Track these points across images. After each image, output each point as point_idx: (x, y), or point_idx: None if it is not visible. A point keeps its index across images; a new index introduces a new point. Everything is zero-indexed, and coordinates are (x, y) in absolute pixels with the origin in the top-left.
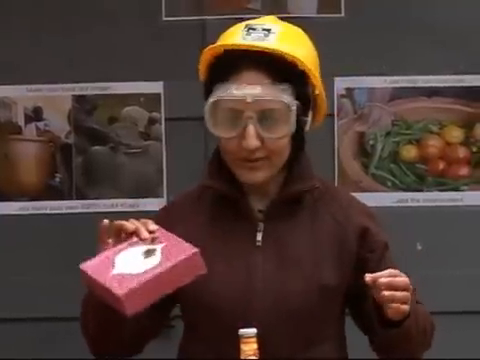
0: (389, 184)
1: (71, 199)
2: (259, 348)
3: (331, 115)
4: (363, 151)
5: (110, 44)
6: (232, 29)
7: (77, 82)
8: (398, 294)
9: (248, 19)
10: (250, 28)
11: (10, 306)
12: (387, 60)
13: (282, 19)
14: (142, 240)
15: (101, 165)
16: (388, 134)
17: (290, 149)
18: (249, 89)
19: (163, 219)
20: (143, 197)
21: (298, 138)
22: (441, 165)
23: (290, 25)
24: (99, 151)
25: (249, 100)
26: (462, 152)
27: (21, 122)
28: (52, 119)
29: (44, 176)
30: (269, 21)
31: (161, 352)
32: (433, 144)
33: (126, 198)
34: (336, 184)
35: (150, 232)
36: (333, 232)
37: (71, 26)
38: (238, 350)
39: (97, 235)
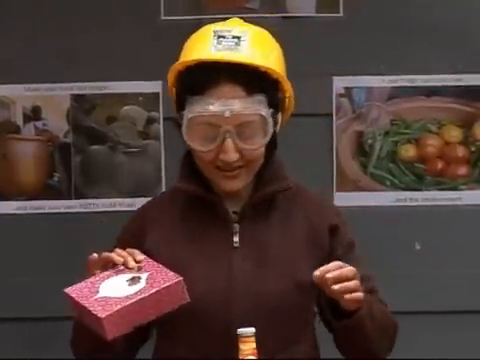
0: (388, 183)
1: (70, 198)
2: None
3: (330, 114)
4: (362, 150)
5: (109, 43)
6: (200, 36)
7: (76, 81)
8: (348, 284)
9: (247, 19)
10: (220, 36)
11: (8, 306)
12: (386, 59)
13: (280, 19)
14: (129, 269)
15: (100, 164)
16: (387, 133)
17: (266, 151)
18: (227, 104)
19: (140, 217)
20: (142, 196)
21: (271, 141)
22: (440, 164)
23: (256, 28)
24: (98, 150)
25: (227, 115)
26: (461, 151)
27: (19, 121)
28: (50, 118)
29: (42, 175)
30: (236, 25)
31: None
32: (432, 143)
33: (125, 197)
34: (335, 184)
35: (137, 262)
36: (307, 230)
37: (70, 25)
38: (221, 351)
39: (86, 267)
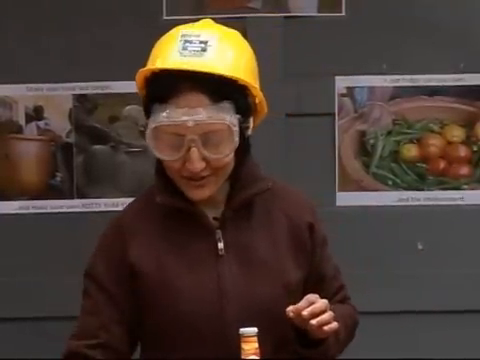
0: (390, 183)
1: (72, 198)
2: (233, 354)
3: (332, 114)
4: (364, 150)
5: (111, 43)
6: (167, 39)
7: (78, 81)
8: (323, 317)
9: (248, 18)
10: (186, 40)
11: (9, 305)
12: (388, 59)
13: (283, 18)
14: None
15: (102, 164)
16: (389, 133)
17: (237, 157)
18: (190, 113)
19: (116, 235)
20: None
21: (242, 146)
22: (442, 164)
23: (226, 30)
24: (100, 150)
25: (191, 124)
26: (463, 151)
27: (22, 121)
28: (53, 118)
29: (45, 175)
30: (205, 28)
31: None
32: (434, 143)
33: (127, 197)
34: (337, 184)
35: None
36: (288, 229)
37: (72, 25)
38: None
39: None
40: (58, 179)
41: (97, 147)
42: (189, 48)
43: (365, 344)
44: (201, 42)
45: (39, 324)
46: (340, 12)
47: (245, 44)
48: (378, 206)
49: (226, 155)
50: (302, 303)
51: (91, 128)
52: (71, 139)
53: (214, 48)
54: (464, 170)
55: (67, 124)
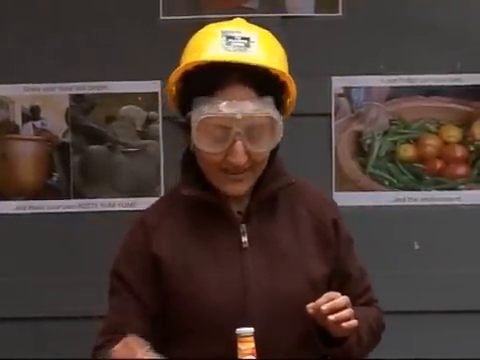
0: (386, 183)
1: (69, 198)
2: (256, 348)
3: (329, 114)
4: (360, 150)
5: (108, 43)
6: (207, 36)
7: (75, 81)
8: (343, 313)
9: (245, 18)
10: (228, 36)
11: (7, 305)
12: (385, 59)
13: (280, 19)
14: None
15: (99, 164)
16: (385, 133)
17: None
18: (239, 106)
19: (139, 230)
20: (141, 196)
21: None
22: (439, 164)
23: (261, 30)
24: (97, 150)
25: (239, 117)
26: (460, 151)
27: (18, 121)
28: (49, 118)
29: (41, 175)
30: (242, 26)
31: None
32: (431, 143)
33: (124, 197)
34: (334, 184)
35: None
36: (311, 224)
37: (69, 25)
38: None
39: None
40: (55, 179)
41: (94, 147)
42: (233, 43)
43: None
44: (243, 38)
45: (38, 324)
46: (337, 12)
47: (278, 42)
48: (375, 206)
49: (268, 149)
50: (321, 299)
51: (88, 128)
52: (68, 139)
53: (256, 44)
54: (461, 170)
55: (64, 124)
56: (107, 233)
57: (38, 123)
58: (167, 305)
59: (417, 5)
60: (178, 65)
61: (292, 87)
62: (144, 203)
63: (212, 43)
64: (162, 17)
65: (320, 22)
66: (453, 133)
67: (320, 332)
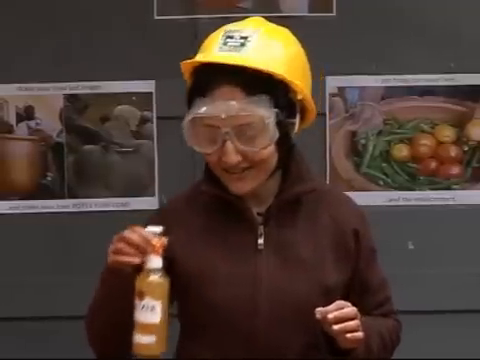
0: (381, 183)
1: (63, 198)
2: (264, 349)
3: (323, 114)
4: (355, 150)
5: (102, 43)
6: (213, 35)
7: (69, 81)
8: (349, 324)
9: (238, 19)
10: (228, 36)
11: (1, 305)
12: (378, 59)
13: (273, 19)
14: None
15: (93, 164)
16: (380, 133)
17: (279, 153)
18: (223, 106)
19: (158, 219)
20: (135, 196)
21: (285, 142)
22: (433, 164)
23: (275, 26)
24: (91, 150)
25: (224, 116)
26: (454, 151)
27: (12, 121)
28: (44, 118)
29: (35, 175)
30: (250, 24)
31: None
32: (425, 143)
33: (118, 197)
34: (328, 183)
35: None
36: (332, 232)
37: (63, 25)
38: (246, 353)
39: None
40: (49, 179)
41: (88, 147)
42: (229, 43)
43: None
44: (242, 37)
45: (33, 324)
46: (331, 12)
47: (292, 41)
48: (369, 206)
49: (262, 148)
50: (331, 306)
51: (82, 128)
52: (62, 139)
53: (253, 43)
54: (455, 170)
55: (58, 124)
56: (101, 233)
57: (32, 123)
58: (178, 300)
59: (411, 5)
60: (174, 64)
61: (296, 86)
62: (138, 203)
63: (212, 43)
64: (156, 17)
65: (314, 22)
66: (447, 133)
67: (329, 340)
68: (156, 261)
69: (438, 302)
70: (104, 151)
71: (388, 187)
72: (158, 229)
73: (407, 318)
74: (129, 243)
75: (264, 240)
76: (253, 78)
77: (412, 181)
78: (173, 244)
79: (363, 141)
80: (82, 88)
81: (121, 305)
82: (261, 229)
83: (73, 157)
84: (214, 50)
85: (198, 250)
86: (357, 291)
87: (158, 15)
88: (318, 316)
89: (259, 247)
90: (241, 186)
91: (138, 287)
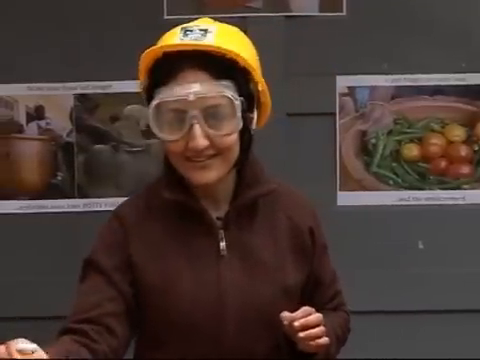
0: (391, 183)
1: (73, 198)
2: (231, 354)
3: (333, 114)
4: (365, 150)
5: (112, 43)
6: (169, 33)
7: (79, 81)
8: (314, 331)
9: (249, 18)
10: (186, 30)
11: (11, 305)
12: (389, 59)
13: (285, 18)
14: None
15: (103, 164)
16: (390, 133)
17: (241, 144)
18: (190, 87)
19: (117, 230)
20: None
21: (245, 137)
22: (443, 164)
23: (227, 25)
24: (101, 150)
25: (191, 98)
26: (464, 151)
27: (23, 121)
28: (54, 118)
29: (46, 175)
30: (205, 22)
31: None
32: (435, 143)
33: (128, 196)
34: (338, 183)
35: None
36: (290, 231)
37: (72, 25)
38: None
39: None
40: (59, 179)
41: (98, 147)
42: (190, 35)
43: (365, 344)
44: (201, 30)
45: (41, 323)
46: (341, 12)
47: (246, 39)
48: (379, 206)
49: (229, 132)
50: (297, 313)
51: (92, 128)
52: (72, 139)
53: (214, 33)
54: (465, 170)
55: (68, 124)
56: None
57: (42, 123)
58: (141, 307)
59: (421, 4)
60: None
61: (257, 75)
62: None
63: (170, 37)
64: (166, 17)
65: (324, 22)
66: (457, 132)
67: (290, 342)
68: None
69: (449, 302)
70: (114, 151)
71: (398, 187)
72: (31, 346)
73: (417, 317)
74: None
75: (226, 244)
76: (218, 64)
77: (422, 181)
78: (133, 255)
79: (373, 141)
80: (92, 88)
81: None
82: (222, 233)
83: (83, 157)
84: (175, 40)
85: (159, 260)
86: (310, 286)
87: (168, 15)
88: (285, 323)
89: (222, 253)
90: (206, 175)
91: None
